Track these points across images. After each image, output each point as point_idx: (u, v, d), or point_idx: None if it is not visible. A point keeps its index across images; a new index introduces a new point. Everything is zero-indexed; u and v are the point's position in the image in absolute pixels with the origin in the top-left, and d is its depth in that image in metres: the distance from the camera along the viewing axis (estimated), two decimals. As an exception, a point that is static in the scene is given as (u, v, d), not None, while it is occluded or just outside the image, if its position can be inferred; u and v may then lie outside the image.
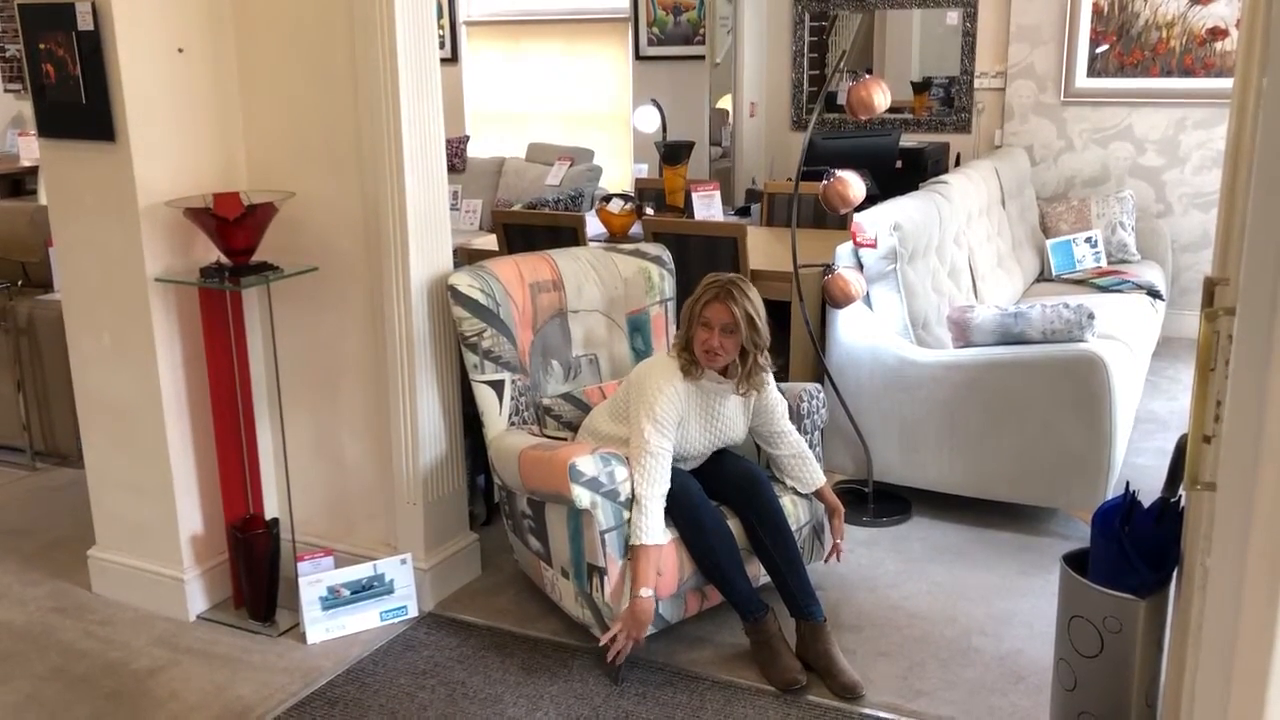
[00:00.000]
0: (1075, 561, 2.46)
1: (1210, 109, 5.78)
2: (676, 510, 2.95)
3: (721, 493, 3.10)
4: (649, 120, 6.38)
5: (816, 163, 4.80)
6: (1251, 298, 1.19)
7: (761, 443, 3.25)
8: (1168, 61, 5.83)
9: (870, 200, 4.00)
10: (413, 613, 3.31)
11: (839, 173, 3.74)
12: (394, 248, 3.16)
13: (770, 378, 3.15)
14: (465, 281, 3.24)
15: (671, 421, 2.95)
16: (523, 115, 7.96)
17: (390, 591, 3.28)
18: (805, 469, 3.22)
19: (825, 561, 3.29)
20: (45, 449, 4.58)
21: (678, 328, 3.13)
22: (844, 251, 3.97)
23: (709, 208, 5.03)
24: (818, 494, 3.25)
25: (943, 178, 4.82)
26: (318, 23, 3.15)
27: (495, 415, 3.27)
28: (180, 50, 3.15)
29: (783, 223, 5.13)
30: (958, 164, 6.10)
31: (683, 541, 2.96)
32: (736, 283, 2.97)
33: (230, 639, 3.24)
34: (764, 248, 4.53)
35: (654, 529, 2.86)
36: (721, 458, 3.18)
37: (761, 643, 2.98)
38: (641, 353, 3.55)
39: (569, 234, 4.41)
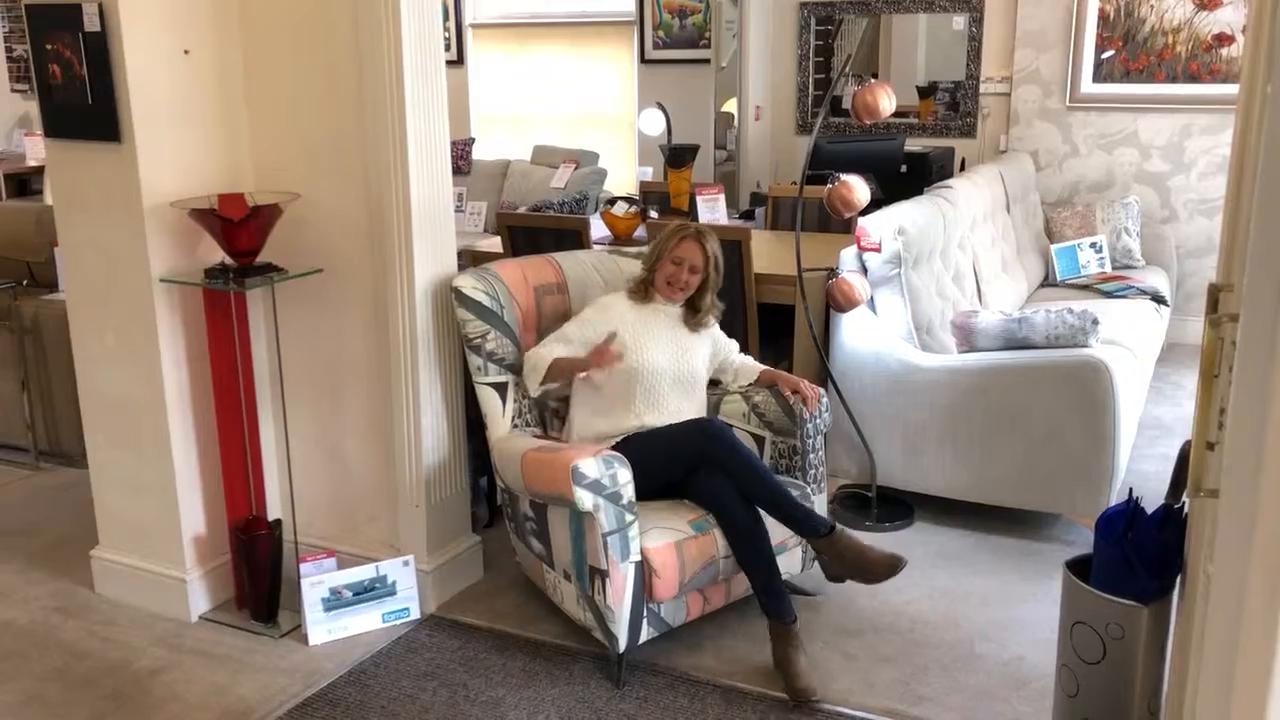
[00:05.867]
0: (1078, 567, 2.46)
1: (1216, 115, 5.78)
2: (730, 503, 2.97)
3: (681, 451, 3.08)
4: (654, 123, 6.38)
5: (821, 167, 4.81)
6: (1254, 304, 1.19)
7: (721, 377, 3.46)
8: (1173, 67, 5.83)
9: (875, 205, 4.00)
10: (415, 615, 3.31)
11: (844, 177, 3.74)
12: (398, 250, 3.16)
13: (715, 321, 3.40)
14: (470, 284, 3.25)
15: (591, 322, 3.22)
16: (528, 118, 7.97)
17: (392, 593, 3.28)
18: (746, 363, 3.45)
19: (805, 411, 3.25)
20: (49, 449, 4.59)
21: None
22: (848, 256, 3.97)
23: (713, 211, 5.03)
24: (763, 379, 3.37)
25: (947, 182, 4.82)
26: (323, 25, 3.15)
27: (498, 417, 3.27)
28: (186, 52, 3.16)
29: (787, 226, 5.13)
30: (963, 169, 6.09)
31: (734, 533, 2.97)
32: (703, 228, 3.31)
33: (232, 640, 3.24)
34: (768, 251, 4.53)
35: (545, 354, 3.18)
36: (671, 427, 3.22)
37: (784, 649, 2.93)
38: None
39: (573, 237, 4.41)
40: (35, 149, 7.59)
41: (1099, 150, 6.07)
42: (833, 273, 3.87)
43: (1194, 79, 5.80)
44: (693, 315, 3.30)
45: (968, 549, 3.73)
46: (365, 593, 3.26)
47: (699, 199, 5.05)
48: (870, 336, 3.94)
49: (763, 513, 3.02)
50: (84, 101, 3.08)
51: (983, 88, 6.34)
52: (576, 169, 6.87)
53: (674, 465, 3.07)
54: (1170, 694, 2.21)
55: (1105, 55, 5.96)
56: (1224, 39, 5.70)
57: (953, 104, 6.49)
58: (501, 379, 3.27)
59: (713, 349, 3.38)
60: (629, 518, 2.86)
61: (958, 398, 3.78)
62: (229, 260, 3.13)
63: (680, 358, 3.25)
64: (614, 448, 3.00)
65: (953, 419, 3.80)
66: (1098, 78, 5.99)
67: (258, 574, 3.27)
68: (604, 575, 2.87)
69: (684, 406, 3.25)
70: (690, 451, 3.06)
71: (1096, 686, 2.39)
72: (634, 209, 4.90)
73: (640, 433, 3.16)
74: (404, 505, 3.35)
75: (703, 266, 3.24)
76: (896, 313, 3.98)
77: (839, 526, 3.00)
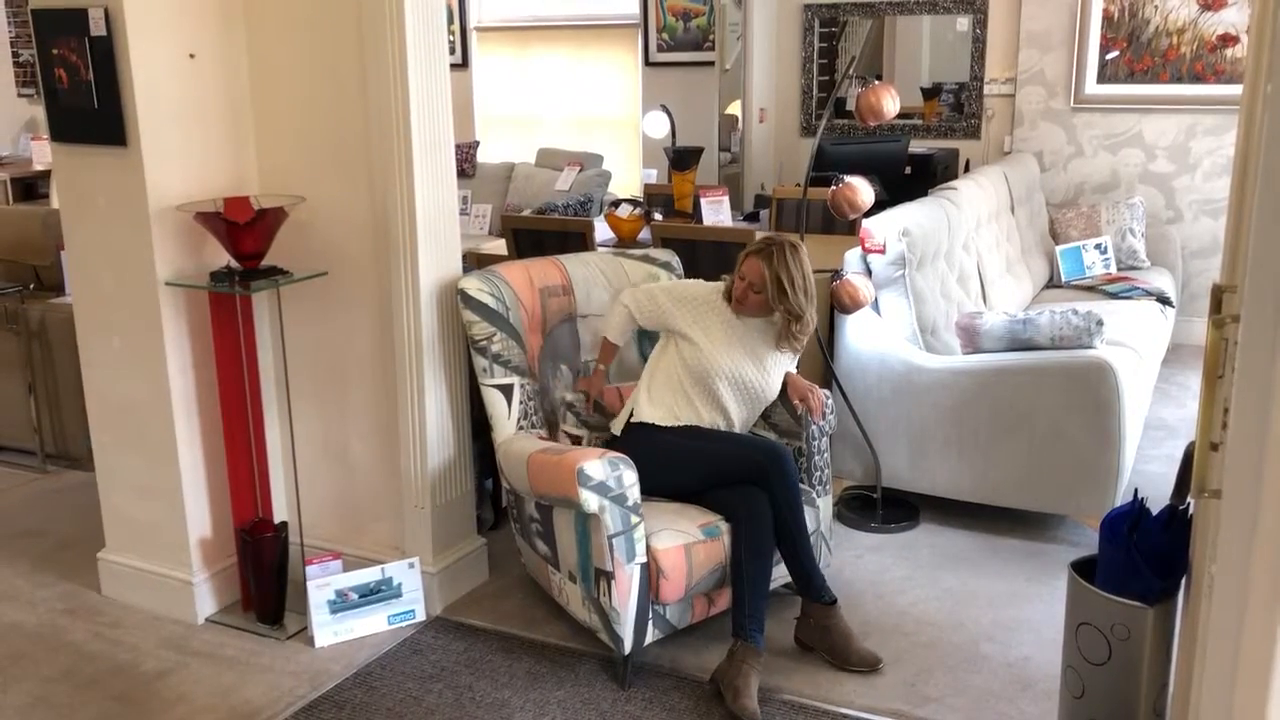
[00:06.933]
0: (1083, 568, 2.46)
1: (1220, 115, 5.77)
2: (762, 517, 2.98)
3: (745, 461, 3.08)
4: (658, 126, 6.38)
5: (825, 168, 4.81)
6: (1257, 305, 1.19)
7: None
8: (1178, 68, 5.82)
9: (879, 206, 4.00)
10: (420, 617, 3.32)
11: (848, 178, 3.75)
12: (403, 252, 3.17)
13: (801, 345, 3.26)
14: (475, 285, 3.25)
15: (677, 296, 3.21)
16: (533, 120, 7.98)
17: (398, 595, 3.29)
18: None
19: (813, 418, 3.26)
20: (56, 451, 4.60)
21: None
22: (852, 257, 3.97)
23: (717, 213, 5.03)
24: (787, 379, 3.31)
25: (952, 184, 4.82)
26: (328, 28, 3.16)
27: (504, 419, 3.27)
28: (192, 56, 3.17)
29: (791, 228, 5.12)
30: (967, 170, 6.09)
31: (753, 545, 2.96)
32: (783, 245, 3.09)
33: (238, 642, 3.25)
34: (772, 253, 4.53)
35: (613, 330, 3.36)
36: (745, 437, 3.25)
37: (746, 670, 2.85)
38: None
39: (578, 239, 4.42)
40: (41, 153, 7.61)
41: (1104, 151, 6.06)
42: (837, 274, 3.87)
43: (1198, 79, 5.79)
44: (784, 334, 3.16)
45: (973, 550, 3.73)
46: (371, 595, 3.26)
47: (703, 201, 5.05)
48: (875, 338, 3.94)
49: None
50: (90, 105, 3.09)
51: (987, 89, 6.34)
52: (581, 171, 6.87)
53: (720, 467, 3.08)
54: (1176, 695, 2.21)
55: (1109, 56, 5.95)
56: (1229, 39, 5.70)
57: (957, 105, 6.49)
58: (507, 380, 3.28)
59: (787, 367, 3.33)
60: (634, 519, 2.86)
61: (962, 399, 3.78)
62: (234, 263, 3.14)
63: (758, 372, 3.19)
64: (671, 429, 3.13)
65: (957, 420, 3.80)
66: (1102, 78, 5.99)
67: (264, 576, 3.28)
68: (609, 577, 2.87)
69: (747, 416, 3.26)
70: (747, 466, 3.05)
71: (1102, 687, 2.39)
72: (638, 211, 4.91)
73: (699, 426, 3.16)
74: (409, 507, 3.36)
75: (764, 286, 3.07)
76: (901, 314, 3.98)
77: (839, 603, 3.06)
